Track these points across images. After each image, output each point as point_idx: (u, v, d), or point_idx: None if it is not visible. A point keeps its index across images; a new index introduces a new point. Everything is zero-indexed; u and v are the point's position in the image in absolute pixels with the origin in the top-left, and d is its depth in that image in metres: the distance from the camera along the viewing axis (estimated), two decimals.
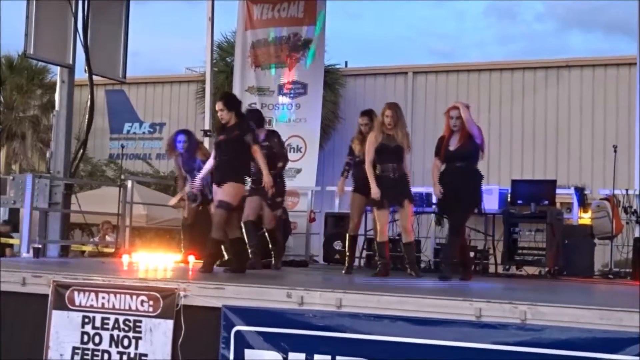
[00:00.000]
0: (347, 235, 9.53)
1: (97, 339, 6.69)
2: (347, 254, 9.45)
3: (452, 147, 8.39)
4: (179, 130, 10.18)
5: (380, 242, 8.74)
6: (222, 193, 8.39)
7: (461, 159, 8.38)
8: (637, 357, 5.15)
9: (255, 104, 13.95)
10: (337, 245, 11.56)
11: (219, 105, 8.54)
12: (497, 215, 10.67)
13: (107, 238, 14.37)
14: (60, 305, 6.84)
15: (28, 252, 9.95)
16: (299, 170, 13.42)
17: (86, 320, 6.74)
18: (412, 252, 8.89)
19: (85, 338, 6.73)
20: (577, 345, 5.32)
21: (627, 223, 10.71)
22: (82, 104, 12.82)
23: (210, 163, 8.80)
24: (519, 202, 10.47)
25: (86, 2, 11.28)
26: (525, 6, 62.63)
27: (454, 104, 8.70)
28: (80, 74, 11.57)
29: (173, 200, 10.12)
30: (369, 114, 9.47)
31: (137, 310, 6.58)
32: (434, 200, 9.33)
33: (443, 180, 8.40)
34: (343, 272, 9.25)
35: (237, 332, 6.15)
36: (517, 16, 64.04)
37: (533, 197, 10.40)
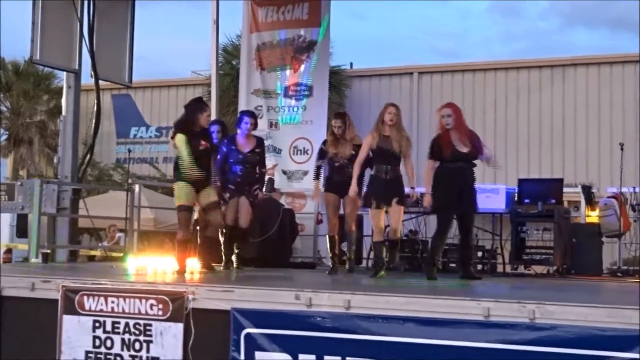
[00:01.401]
0: (327, 236, 9.69)
1: (108, 343, 6.72)
2: (330, 254, 9.66)
3: (463, 150, 8.39)
4: (213, 120, 10.28)
5: (375, 242, 8.94)
6: (215, 195, 8.79)
7: (467, 161, 8.44)
8: None
9: (261, 106, 13.96)
10: (345, 246, 11.57)
11: (209, 111, 8.77)
12: (504, 215, 10.68)
13: (117, 235, 14.41)
14: (71, 309, 6.87)
15: (37, 257, 9.98)
16: (305, 172, 13.39)
17: (97, 324, 6.77)
18: (395, 251, 9.06)
19: (97, 342, 6.76)
20: (585, 344, 5.32)
21: (635, 221, 10.72)
22: (88, 109, 12.88)
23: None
24: (526, 201, 10.48)
25: (92, 7, 11.31)
26: (529, 3, 62.69)
27: (446, 103, 8.75)
28: (87, 79, 11.61)
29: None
30: (342, 116, 9.62)
31: (146, 314, 6.61)
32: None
33: (446, 179, 8.39)
34: (327, 272, 9.32)
35: (247, 334, 6.17)
36: (521, 13, 64.14)
37: (540, 196, 10.40)
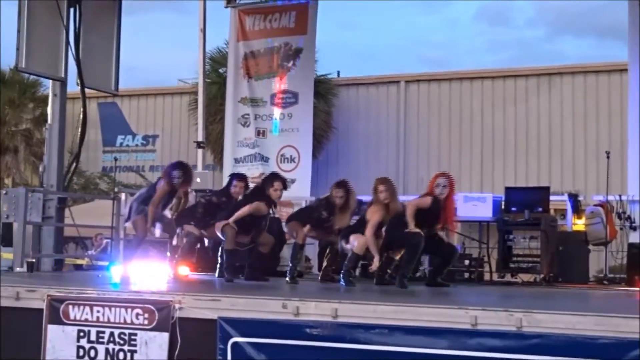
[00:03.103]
0: (298, 244, 9.52)
1: (92, 353, 6.66)
2: (292, 263, 9.42)
3: (437, 225, 8.60)
4: (174, 164, 10.33)
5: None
6: None
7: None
8: None
9: (248, 114, 13.97)
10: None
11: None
12: (491, 223, 10.68)
13: (104, 241, 14.36)
14: (56, 319, 6.82)
15: (22, 266, 9.91)
16: (293, 181, 13.39)
17: (81, 334, 6.71)
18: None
19: (81, 352, 6.71)
20: (573, 352, 5.32)
21: (621, 229, 10.73)
22: (74, 117, 12.80)
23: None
24: (513, 209, 10.48)
25: (77, 15, 11.27)
26: (516, 10, 62.89)
27: (443, 172, 8.84)
28: (73, 87, 11.55)
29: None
30: (344, 185, 9.39)
31: (132, 323, 6.56)
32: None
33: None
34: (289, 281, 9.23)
35: (234, 343, 6.14)
36: (508, 21, 64.24)
37: (527, 204, 10.40)
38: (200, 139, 14.59)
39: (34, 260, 10.11)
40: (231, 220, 9.13)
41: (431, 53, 62.34)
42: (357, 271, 11.26)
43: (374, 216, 8.72)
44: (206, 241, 10.55)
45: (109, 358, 6.58)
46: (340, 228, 9.16)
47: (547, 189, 11.35)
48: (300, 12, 13.85)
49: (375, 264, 8.64)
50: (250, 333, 6.14)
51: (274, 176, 9.59)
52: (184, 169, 10.00)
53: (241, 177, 10.22)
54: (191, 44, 14.47)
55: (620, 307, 6.56)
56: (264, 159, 13.72)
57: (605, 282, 10.19)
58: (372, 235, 8.64)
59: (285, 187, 9.41)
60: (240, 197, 9.74)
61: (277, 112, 13.88)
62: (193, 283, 8.91)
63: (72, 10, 11.24)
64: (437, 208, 8.52)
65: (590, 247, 10.61)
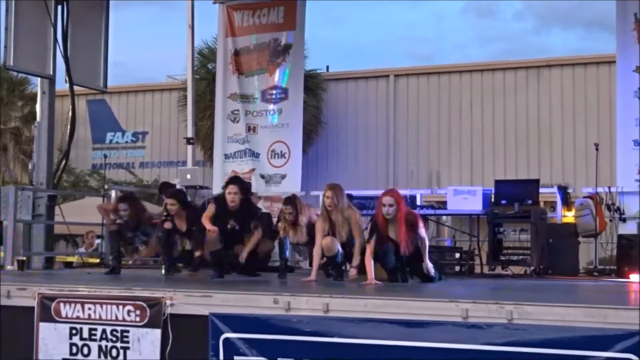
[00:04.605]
0: (280, 238, 9.44)
1: (85, 350, 6.67)
2: (280, 258, 9.41)
3: (392, 235, 8.30)
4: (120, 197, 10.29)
5: None
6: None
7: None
8: (623, 354, 5.19)
9: (237, 110, 13.94)
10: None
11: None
12: (481, 216, 10.70)
13: (95, 242, 14.35)
14: (47, 317, 6.82)
15: (12, 264, 9.90)
16: (283, 176, 13.40)
17: (73, 331, 6.72)
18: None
19: (74, 349, 6.71)
20: (563, 344, 5.35)
21: (611, 220, 10.77)
22: (63, 115, 12.78)
23: None
24: (503, 202, 10.50)
25: (65, 13, 11.25)
26: (504, 3, 62.94)
27: (388, 190, 8.59)
28: (61, 85, 11.54)
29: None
30: (292, 202, 9.33)
31: (124, 320, 6.57)
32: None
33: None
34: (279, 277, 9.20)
35: (226, 339, 6.15)
36: (495, 14, 64.30)
37: (517, 197, 10.43)
38: (189, 135, 14.57)
39: (24, 258, 10.10)
40: (207, 225, 9.05)
41: (420, 48, 62.45)
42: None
43: (317, 226, 8.78)
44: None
45: (102, 355, 6.59)
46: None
47: (536, 181, 11.38)
48: (289, 7, 13.82)
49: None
50: (242, 329, 6.15)
51: (230, 180, 9.55)
52: (128, 201, 9.88)
53: (171, 194, 9.80)
54: (180, 40, 14.52)
55: (610, 299, 6.60)
56: (255, 155, 13.71)
57: (595, 273, 10.22)
58: (317, 251, 8.70)
59: (244, 192, 9.20)
60: (173, 212, 9.55)
61: (267, 107, 13.87)
62: (184, 279, 8.91)
63: (59, 7, 11.22)
64: (382, 230, 8.29)
65: (580, 239, 10.64)
